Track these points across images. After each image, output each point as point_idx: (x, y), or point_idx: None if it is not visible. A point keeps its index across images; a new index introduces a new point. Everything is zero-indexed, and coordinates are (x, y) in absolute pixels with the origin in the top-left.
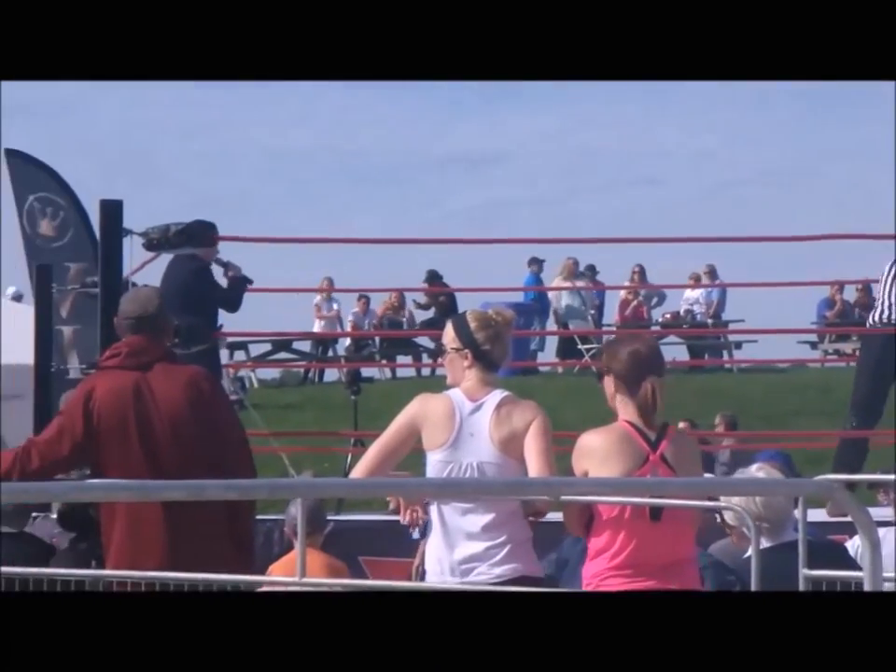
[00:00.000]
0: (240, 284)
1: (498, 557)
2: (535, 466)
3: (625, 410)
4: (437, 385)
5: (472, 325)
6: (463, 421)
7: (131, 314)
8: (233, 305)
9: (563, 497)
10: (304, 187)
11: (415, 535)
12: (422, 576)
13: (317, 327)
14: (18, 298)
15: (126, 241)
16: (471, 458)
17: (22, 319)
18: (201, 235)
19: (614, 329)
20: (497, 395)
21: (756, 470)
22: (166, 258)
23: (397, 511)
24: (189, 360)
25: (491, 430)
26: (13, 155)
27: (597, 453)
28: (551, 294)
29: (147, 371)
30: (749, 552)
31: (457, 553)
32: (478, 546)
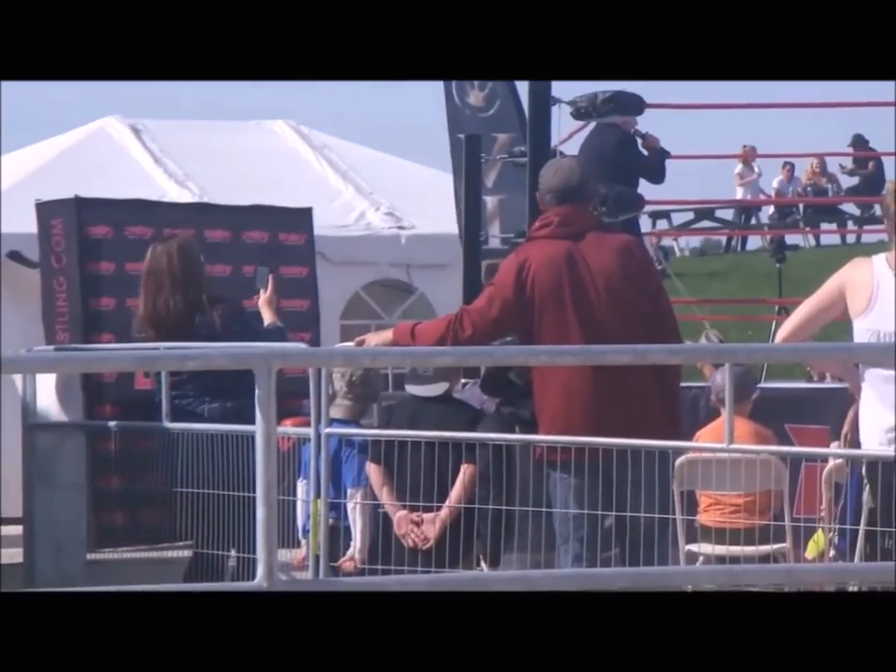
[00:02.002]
0: (660, 155)
1: None
2: None
3: None
4: (863, 253)
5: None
6: (879, 288)
7: (554, 186)
8: (656, 175)
9: None
10: None
11: None
12: (851, 443)
13: (740, 195)
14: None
15: (554, 110)
16: (889, 327)
17: (443, 190)
18: (628, 103)
19: None
20: None
21: None
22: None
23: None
24: (617, 228)
25: None
26: None
27: None
28: None
29: (579, 240)
30: None
31: (885, 421)
32: None
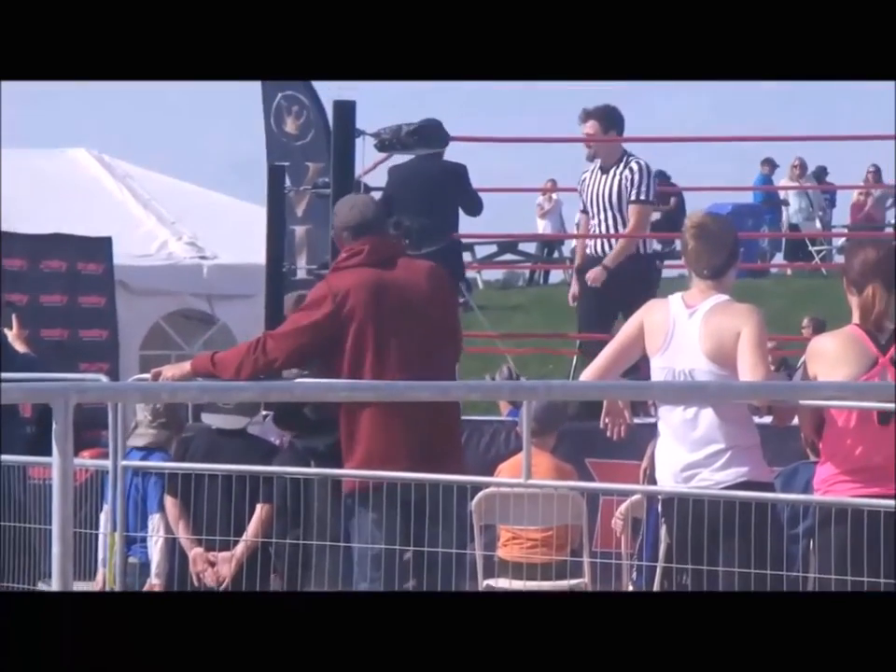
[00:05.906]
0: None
1: (720, 463)
2: (746, 377)
3: (856, 313)
4: (665, 287)
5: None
6: (675, 328)
7: (350, 222)
8: (476, 208)
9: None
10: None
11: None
12: (650, 479)
13: (542, 228)
14: None
15: (359, 141)
16: (684, 366)
17: (247, 220)
18: (432, 135)
19: (844, 231)
20: (711, 301)
21: None
22: (399, 158)
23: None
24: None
25: (700, 339)
26: None
27: (827, 356)
28: (780, 195)
29: (390, 267)
30: None
31: (680, 459)
32: (699, 453)
